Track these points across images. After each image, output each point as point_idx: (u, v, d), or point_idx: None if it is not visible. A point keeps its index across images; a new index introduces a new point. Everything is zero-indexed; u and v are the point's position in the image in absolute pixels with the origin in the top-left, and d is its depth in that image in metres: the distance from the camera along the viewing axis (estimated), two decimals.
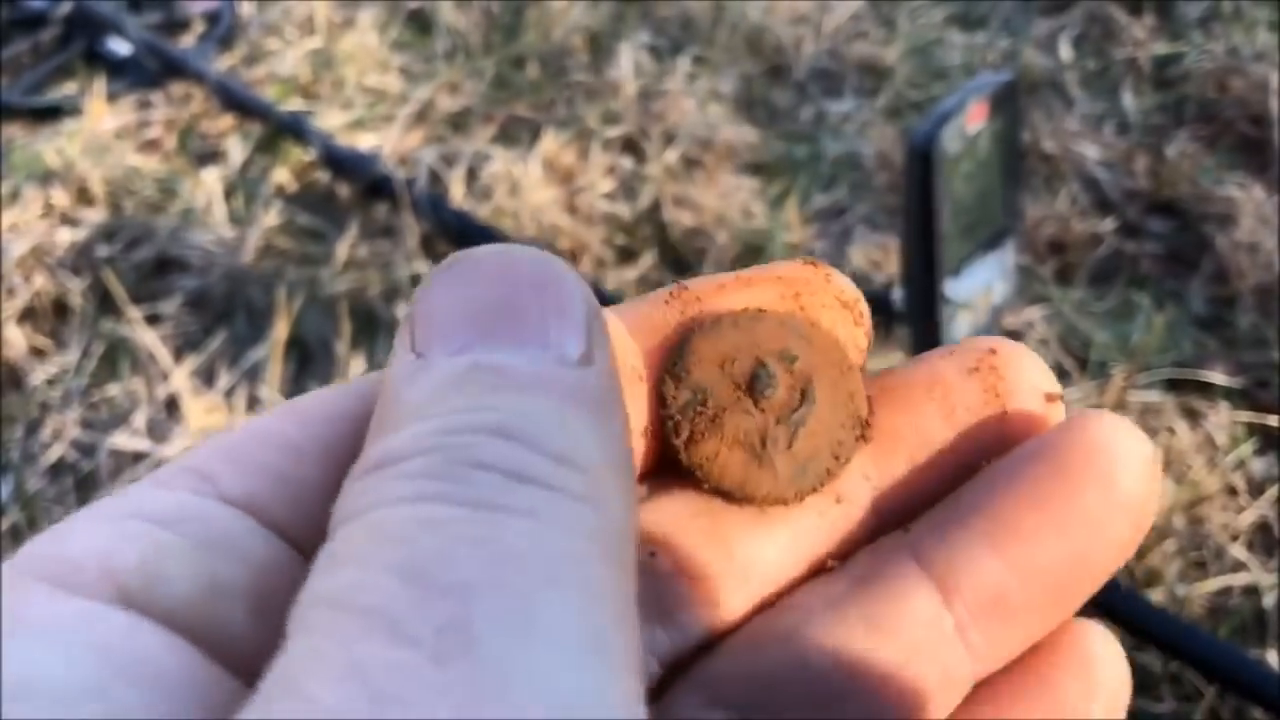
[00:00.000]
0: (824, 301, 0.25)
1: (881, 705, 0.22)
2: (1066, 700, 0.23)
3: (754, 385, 0.24)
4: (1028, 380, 0.25)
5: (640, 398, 0.24)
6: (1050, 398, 0.25)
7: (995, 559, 0.23)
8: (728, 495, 0.24)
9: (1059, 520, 0.23)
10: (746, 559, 0.24)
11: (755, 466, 0.24)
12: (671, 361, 0.24)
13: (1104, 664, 0.23)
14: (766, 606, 0.24)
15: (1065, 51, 1.64)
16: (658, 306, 0.25)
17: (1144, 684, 0.98)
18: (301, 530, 0.20)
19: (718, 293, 0.25)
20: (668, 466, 0.24)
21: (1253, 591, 1.04)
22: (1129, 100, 1.57)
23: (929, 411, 0.25)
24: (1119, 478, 0.22)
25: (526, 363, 0.19)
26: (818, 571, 0.24)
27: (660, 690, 0.23)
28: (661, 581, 0.23)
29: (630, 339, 0.24)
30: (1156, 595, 1.03)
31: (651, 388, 0.24)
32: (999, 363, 0.25)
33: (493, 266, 0.20)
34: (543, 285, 0.20)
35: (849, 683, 0.22)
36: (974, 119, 0.82)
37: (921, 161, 0.77)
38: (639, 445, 0.24)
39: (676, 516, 0.24)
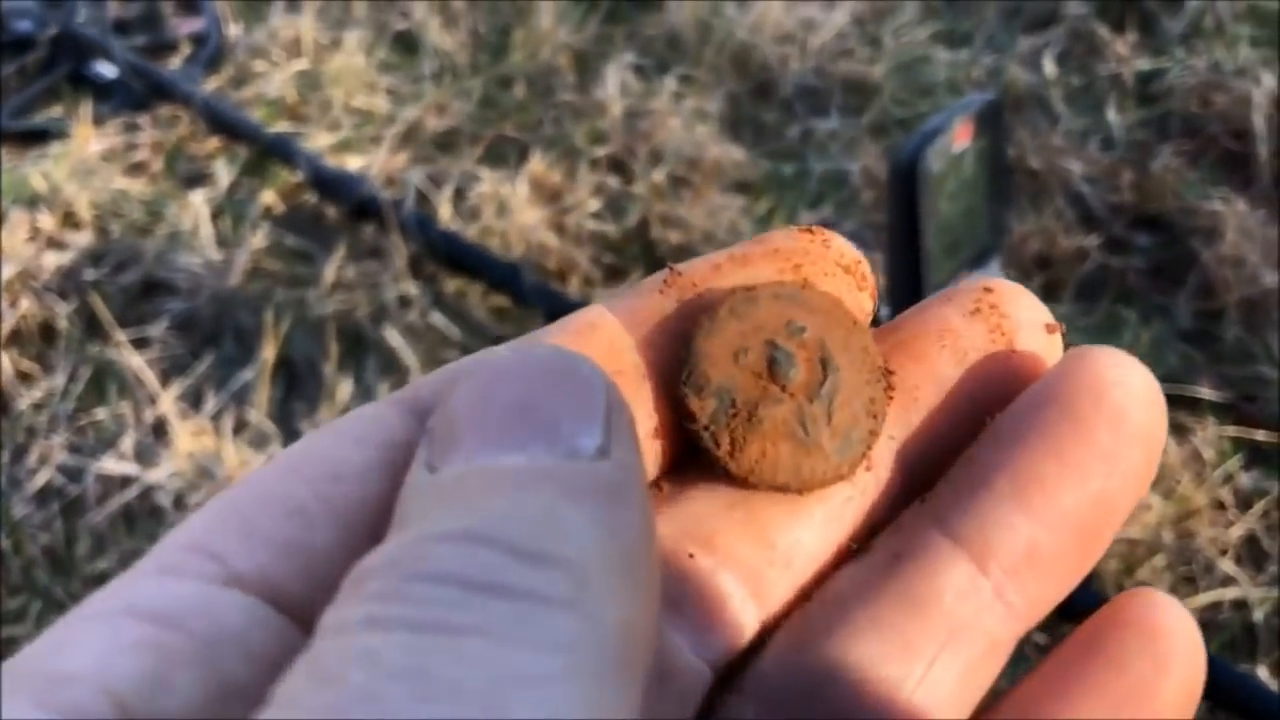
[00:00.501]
0: (825, 269, 0.25)
1: (932, 686, 0.22)
2: (1136, 678, 0.22)
3: (775, 370, 0.23)
4: (1028, 315, 0.25)
5: (646, 397, 0.23)
6: (1050, 329, 0.25)
7: (1022, 515, 0.22)
8: (784, 489, 0.23)
9: (1077, 464, 0.22)
10: (787, 547, 0.23)
11: (804, 454, 0.23)
12: (684, 373, 0.23)
13: (1174, 636, 0.22)
14: (808, 594, 0.23)
15: (1049, 68, 1.65)
16: (651, 296, 0.24)
17: None
18: (316, 604, 0.18)
19: (713, 274, 0.24)
20: (686, 461, 0.24)
21: (1242, 606, 1.05)
22: (1113, 116, 1.57)
23: (943, 359, 0.24)
24: (1127, 411, 0.22)
25: (527, 461, 0.18)
26: (851, 551, 0.24)
27: (711, 699, 0.22)
28: (705, 582, 0.23)
29: (626, 334, 0.23)
30: None
31: (655, 385, 0.23)
32: (998, 300, 0.25)
33: (507, 369, 0.19)
34: (558, 383, 0.19)
35: (900, 669, 0.22)
36: (959, 138, 0.83)
37: (906, 181, 0.77)
38: (650, 447, 0.23)
39: (711, 511, 0.23)
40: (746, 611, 0.23)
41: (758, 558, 0.23)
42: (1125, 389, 0.22)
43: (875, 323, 0.25)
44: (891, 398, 0.24)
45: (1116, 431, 0.22)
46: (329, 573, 0.18)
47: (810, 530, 0.24)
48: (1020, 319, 0.25)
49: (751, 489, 0.23)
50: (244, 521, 0.19)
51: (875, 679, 0.22)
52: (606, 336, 0.23)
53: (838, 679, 0.22)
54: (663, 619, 0.22)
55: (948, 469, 0.24)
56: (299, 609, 0.19)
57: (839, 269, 0.25)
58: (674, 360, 0.23)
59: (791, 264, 0.25)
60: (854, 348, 0.24)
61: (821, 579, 0.24)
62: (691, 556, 0.23)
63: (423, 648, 0.15)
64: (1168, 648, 0.22)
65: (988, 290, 0.25)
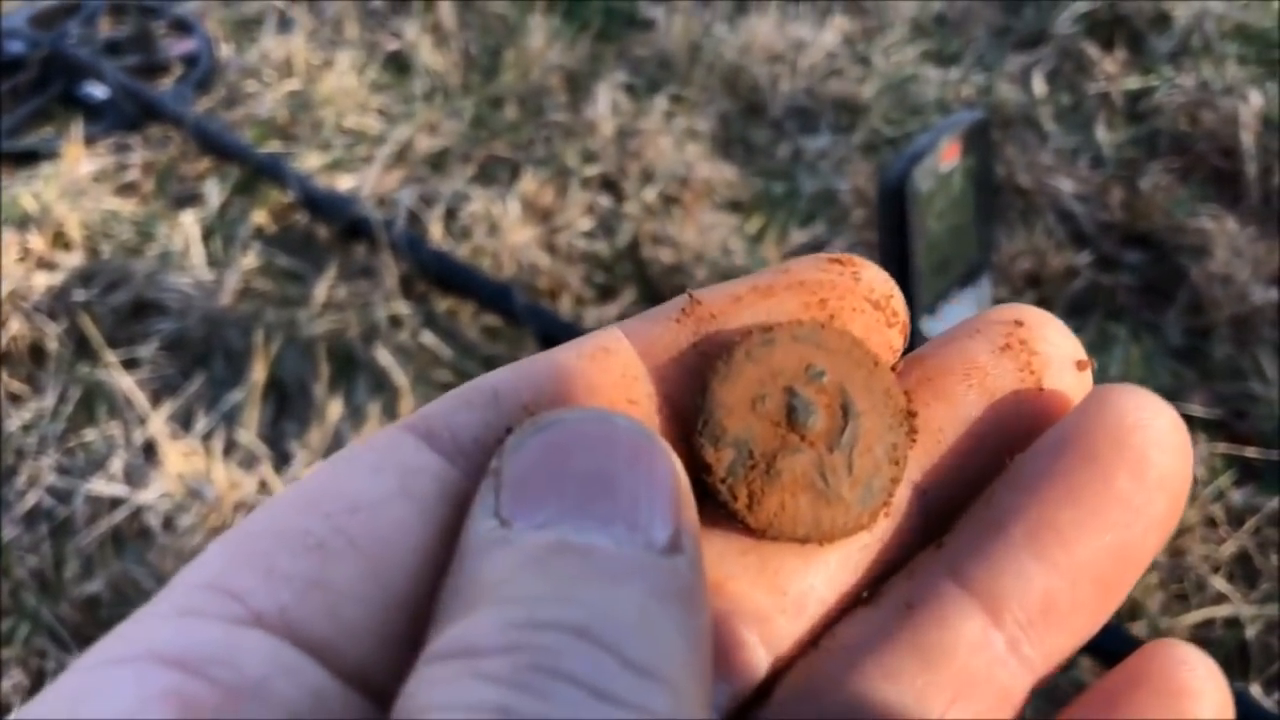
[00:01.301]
0: (853, 304, 0.23)
1: None
2: None
3: (793, 419, 0.22)
4: (1058, 351, 0.24)
5: (658, 430, 0.23)
6: (1081, 365, 0.24)
7: (1037, 564, 0.22)
8: (804, 541, 0.22)
9: (1096, 512, 0.21)
10: (799, 593, 0.23)
11: (825, 505, 0.22)
12: (700, 422, 0.22)
13: (1199, 696, 0.21)
14: (817, 640, 0.23)
15: (1039, 86, 1.66)
16: (668, 325, 0.23)
17: None
18: (337, 641, 0.19)
19: (733, 306, 0.23)
20: (699, 499, 0.24)
21: (1235, 623, 1.04)
22: (1102, 134, 1.58)
23: (969, 400, 0.23)
24: (1150, 456, 0.21)
25: (614, 545, 0.18)
26: (864, 597, 0.23)
27: None
28: (717, 628, 0.22)
29: (639, 362, 0.23)
30: (1139, 628, 1.03)
31: (668, 418, 0.23)
32: (1028, 336, 0.24)
33: (588, 434, 0.19)
34: (636, 460, 0.19)
35: None
36: (946, 157, 0.83)
37: (894, 201, 0.78)
38: None
39: (723, 557, 0.23)
40: (757, 658, 0.22)
41: (769, 604, 0.23)
42: (1149, 433, 0.22)
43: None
44: (914, 441, 0.23)
45: (1139, 478, 0.21)
46: (351, 609, 0.19)
47: (823, 576, 0.23)
48: (1050, 355, 0.24)
49: (771, 540, 0.22)
50: (262, 559, 0.19)
51: None
52: (620, 363, 0.23)
53: None
54: None
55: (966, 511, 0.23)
56: (321, 649, 0.19)
57: (868, 304, 0.24)
58: (689, 402, 0.23)
59: (817, 298, 0.23)
60: (876, 390, 0.23)
61: (832, 624, 0.23)
62: None
63: None
64: (1192, 709, 0.21)
65: (1019, 324, 0.24)
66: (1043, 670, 0.22)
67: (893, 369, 0.24)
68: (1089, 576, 0.22)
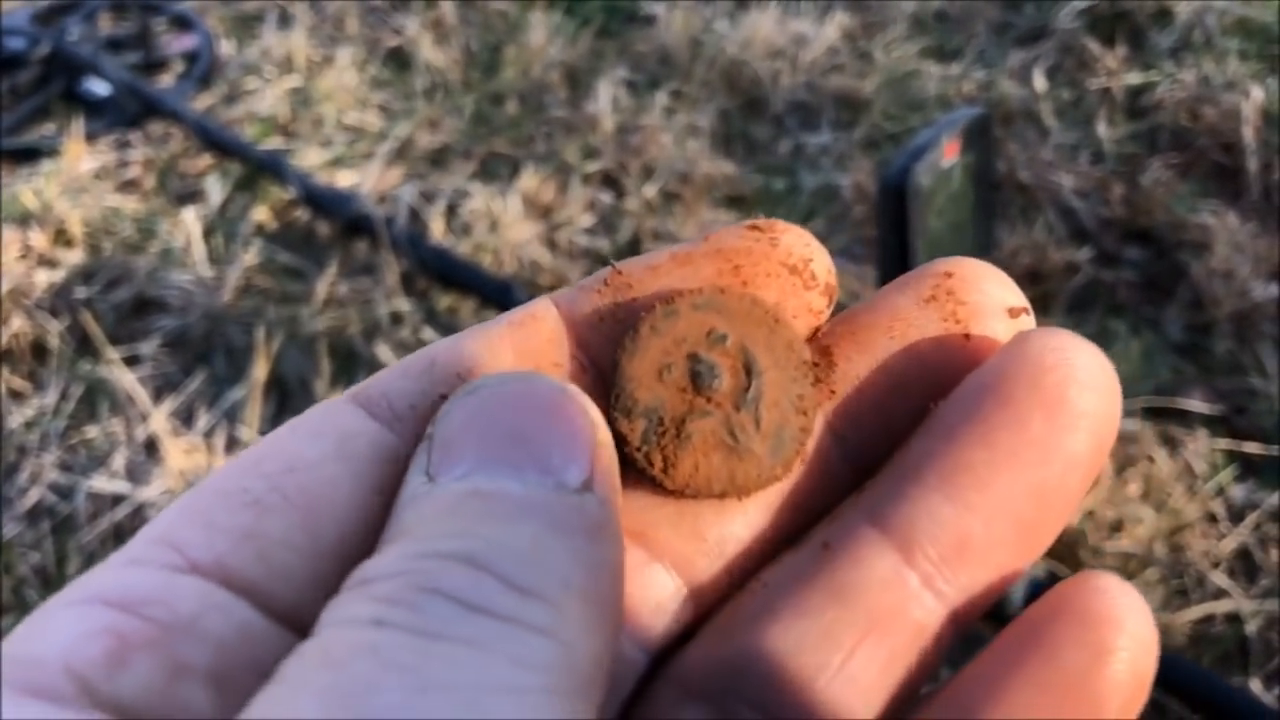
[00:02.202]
0: (768, 269, 0.24)
1: (852, 675, 0.22)
2: (1069, 670, 0.21)
3: (698, 383, 0.24)
4: (989, 299, 0.24)
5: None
6: (1013, 312, 0.24)
7: (950, 505, 0.22)
8: (722, 497, 0.23)
9: (1010, 453, 0.22)
10: (718, 538, 0.24)
11: (738, 461, 0.23)
12: (612, 396, 0.23)
13: (1115, 623, 0.21)
14: (739, 584, 0.24)
15: (1040, 82, 1.65)
16: (591, 295, 0.24)
17: None
18: (269, 584, 0.20)
19: (651, 274, 0.24)
20: (623, 470, 0.24)
21: (1235, 619, 1.05)
22: (1103, 130, 1.58)
23: (891, 350, 0.24)
24: (1068, 395, 0.21)
25: (521, 488, 0.19)
26: (786, 541, 0.24)
27: (642, 687, 0.23)
28: (639, 574, 0.23)
29: (564, 329, 0.24)
30: None
31: (591, 381, 0.24)
32: (956, 286, 0.24)
33: (509, 393, 0.21)
34: (552, 412, 0.20)
35: (818, 658, 0.22)
36: (947, 154, 0.83)
37: (895, 198, 0.77)
38: None
39: (642, 506, 0.24)
40: (679, 602, 0.23)
41: (690, 549, 0.24)
42: (1066, 372, 0.21)
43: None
44: (831, 392, 0.24)
45: (1053, 418, 0.21)
46: (282, 556, 0.21)
47: (741, 522, 0.24)
48: (980, 304, 0.24)
49: (691, 499, 0.24)
50: (204, 514, 0.21)
51: (792, 667, 0.22)
52: (546, 329, 0.24)
53: (756, 668, 0.22)
54: None
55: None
56: (253, 591, 0.20)
57: (783, 269, 0.24)
58: (607, 369, 0.24)
59: (731, 265, 0.24)
60: (777, 347, 0.24)
61: (757, 569, 0.24)
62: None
63: (421, 649, 0.17)
64: (1108, 638, 0.21)
65: (948, 275, 0.24)
66: (965, 608, 0.22)
67: (816, 331, 0.25)
68: (1005, 515, 0.22)
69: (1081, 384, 0.22)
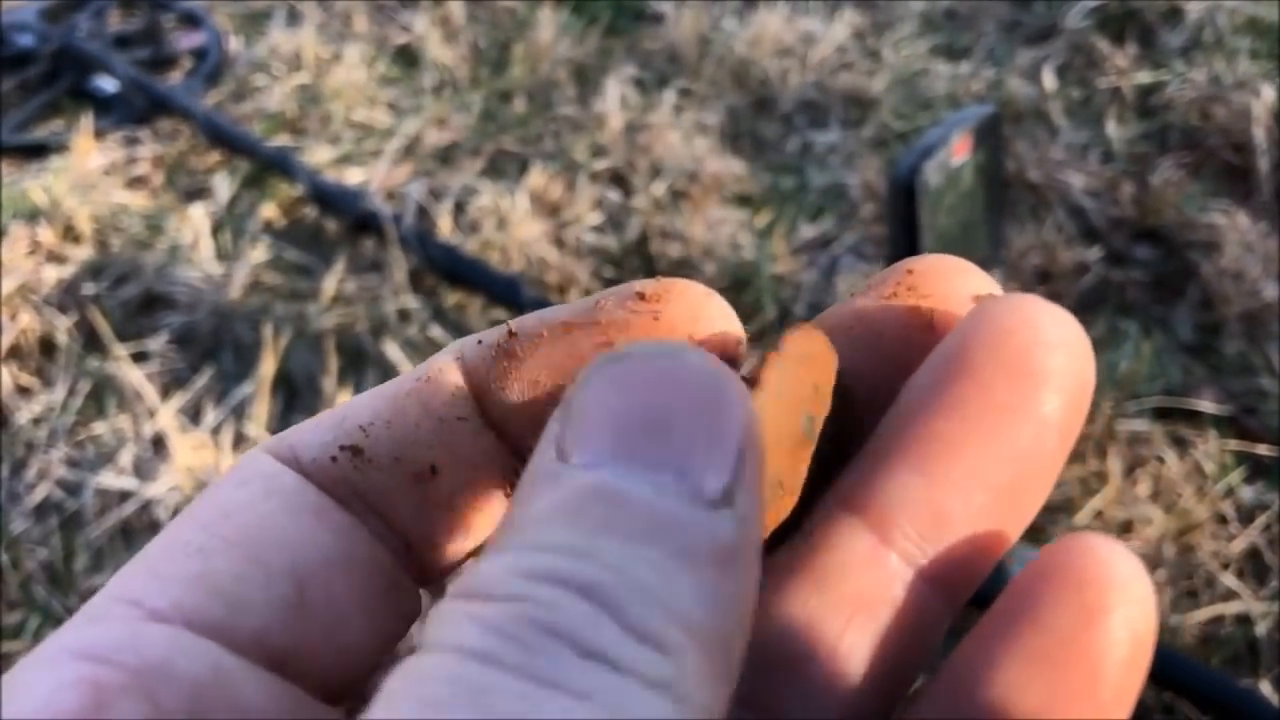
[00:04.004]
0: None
1: (841, 659, 0.22)
2: (1058, 633, 0.20)
3: None
4: (953, 290, 0.23)
5: (483, 449, 0.24)
6: (978, 300, 0.23)
7: (920, 479, 0.21)
8: None
9: (977, 420, 0.21)
10: None
11: None
12: None
13: (1106, 584, 0.20)
14: None
15: (1049, 81, 1.65)
16: (487, 355, 0.24)
17: (1138, 715, 0.97)
18: (230, 618, 0.21)
19: (534, 346, 0.24)
20: None
21: (1245, 620, 1.04)
22: (1113, 129, 1.57)
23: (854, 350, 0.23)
24: (1030, 358, 0.21)
25: (653, 494, 0.18)
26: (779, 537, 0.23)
27: None
28: None
29: (465, 391, 0.24)
30: None
31: (494, 443, 0.24)
32: (916, 282, 0.23)
33: (653, 371, 0.19)
34: (701, 401, 0.18)
35: (804, 646, 0.22)
36: (957, 152, 0.83)
37: (904, 195, 0.77)
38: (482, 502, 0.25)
39: None
40: None
41: None
42: (1027, 334, 0.21)
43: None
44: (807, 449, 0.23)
45: (1018, 380, 0.21)
46: (235, 590, 0.21)
47: None
48: (943, 295, 0.23)
49: None
50: (152, 569, 0.21)
51: (778, 658, 0.22)
52: (450, 387, 0.24)
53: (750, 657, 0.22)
54: None
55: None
56: (216, 629, 0.21)
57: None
58: (502, 440, 0.24)
59: (607, 337, 0.24)
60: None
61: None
62: None
63: (531, 700, 0.16)
64: (1098, 598, 0.20)
65: (909, 273, 0.23)
66: (952, 581, 0.22)
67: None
68: (981, 485, 0.21)
69: (1046, 344, 0.21)
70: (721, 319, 0.23)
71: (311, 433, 0.24)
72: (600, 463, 0.18)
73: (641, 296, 0.23)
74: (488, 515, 0.25)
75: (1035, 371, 0.21)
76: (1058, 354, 0.21)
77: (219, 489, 0.23)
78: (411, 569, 0.24)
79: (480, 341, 0.25)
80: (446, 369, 0.24)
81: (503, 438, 0.24)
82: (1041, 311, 0.21)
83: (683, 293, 0.23)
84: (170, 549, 0.22)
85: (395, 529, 0.24)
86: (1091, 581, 0.20)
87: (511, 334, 0.24)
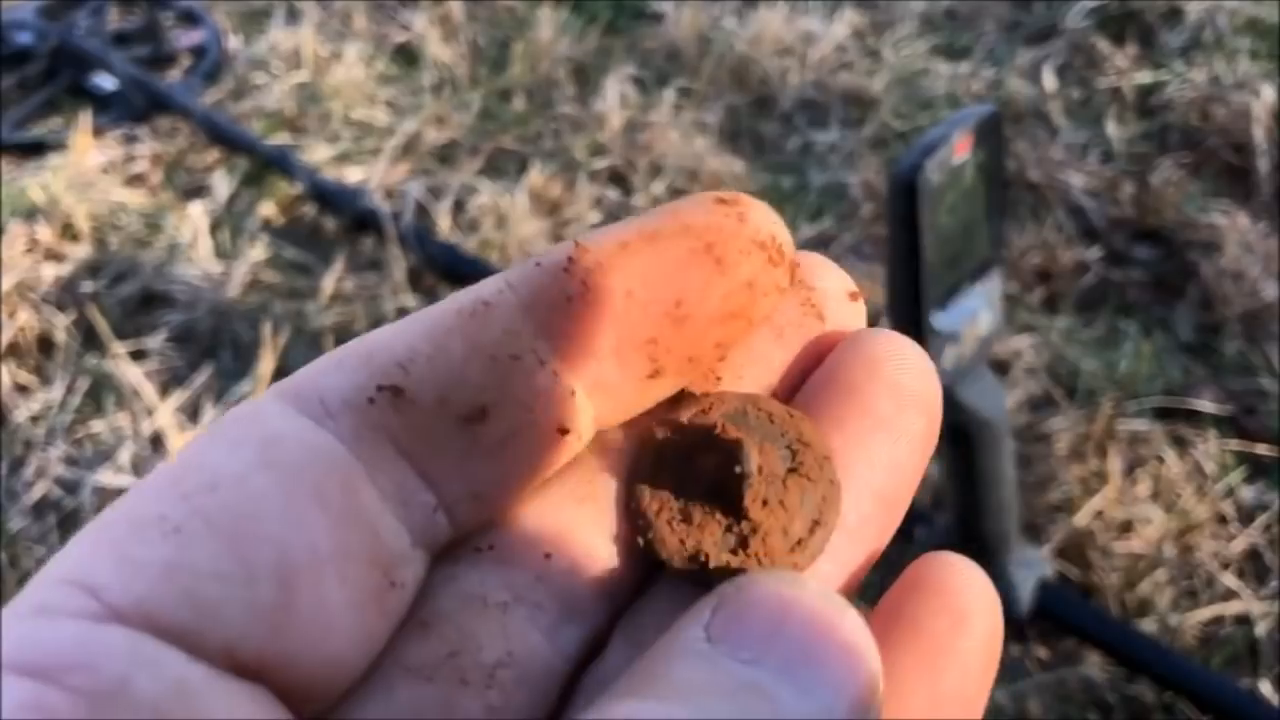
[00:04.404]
0: (741, 248, 0.23)
1: None
2: (936, 637, 0.22)
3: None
4: (833, 284, 0.25)
5: (544, 383, 0.23)
6: (853, 296, 0.25)
7: None
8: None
9: (864, 434, 0.23)
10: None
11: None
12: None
13: (969, 594, 0.23)
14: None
15: (1049, 81, 1.65)
16: (555, 275, 0.22)
17: (1138, 715, 0.97)
18: (198, 625, 0.19)
19: (621, 254, 0.23)
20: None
21: (1245, 620, 1.04)
22: (1113, 128, 1.57)
23: (761, 336, 0.25)
24: (903, 382, 0.23)
25: (801, 710, 0.19)
26: None
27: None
28: (566, 573, 0.23)
29: (523, 317, 0.22)
30: (1149, 625, 1.03)
31: (553, 375, 0.23)
32: (804, 274, 0.25)
33: (813, 611, 0.20)
34: (851, 642, 0.20)
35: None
36: (958, 151, 0.82)
37: (905, 195, 0.77)
38: (549, 435, 0.23)
39: (560, 508, 0.24)
40: (599, 604, 0.23)
41: (609, 552, 0.23)
42: (898, 363, 0.23)
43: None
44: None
45: (894, 402, 0.23)
46: (210, 589, 0.19)
47: None
48: (826, 289, 0.25)
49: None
50: (118, 548, 0.19)
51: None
52: (501, 318, 0.22)
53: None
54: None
55: None
56: (182, 635, 0.18)
57: (754, 246, 0.24)
58: (565, 372, 0.23)
59: (703, 242, 0.23)
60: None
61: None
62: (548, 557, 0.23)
63: None
64: (964, 605, 0.22)
65: (795, 265, 0.25)
66: (845, 578, 0.23)
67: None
68: (870, 494, 0.23)
69: (913, 372, 0.24)
70: (783, 227, 0.24)
71: (335, 373, 0.21)
72: (755, 660, 0.19)
73: (722, 201, 0.24)
74: (538, 463, 0.23)
75: (906, 393, 0.23)
76: (920, 379, 0.24)
77: (211, 446, 0.20)
78: (428, 535, 0.22)
79: (538, 264, 0.23)
80: (493, 300, 0.22)
81: (570, 368, 0.23)
82: (904, 343, 0.24)
83: (754, 201, 0.24)
84: (142, 523, 0.19)
85: (430, 480, 0.22)
86: (955, 591, 0.22)
87: (582, 248, 0.23)
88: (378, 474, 0.21)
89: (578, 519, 0.23)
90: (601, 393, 0.23)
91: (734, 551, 0.23)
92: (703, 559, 0.23)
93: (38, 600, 0.18)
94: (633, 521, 0.24)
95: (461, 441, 0.22)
